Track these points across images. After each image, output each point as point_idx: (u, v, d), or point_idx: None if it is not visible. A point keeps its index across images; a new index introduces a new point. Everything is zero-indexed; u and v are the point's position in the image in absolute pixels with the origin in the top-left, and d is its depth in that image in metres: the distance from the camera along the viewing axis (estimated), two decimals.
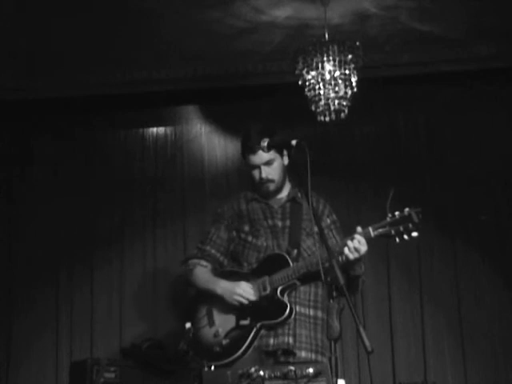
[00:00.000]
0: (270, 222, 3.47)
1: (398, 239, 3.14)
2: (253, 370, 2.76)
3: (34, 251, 5.55)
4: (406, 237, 3.12)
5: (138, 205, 5.66)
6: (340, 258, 3.19)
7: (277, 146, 3.34)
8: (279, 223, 3.47)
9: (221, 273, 3.52)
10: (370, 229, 3.19)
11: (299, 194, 3.52)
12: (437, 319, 5.31)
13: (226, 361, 3.24)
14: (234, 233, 3.52)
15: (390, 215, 3.15)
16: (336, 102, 4.42)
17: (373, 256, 5.41)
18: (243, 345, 3.27)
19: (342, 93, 4.41)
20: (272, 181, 3.46)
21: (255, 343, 3.29)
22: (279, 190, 3.52)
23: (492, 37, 5.15)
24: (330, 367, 2.67)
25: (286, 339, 3.29)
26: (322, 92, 4.42)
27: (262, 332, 3.30)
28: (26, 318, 5.46)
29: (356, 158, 5.53)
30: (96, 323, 5.45)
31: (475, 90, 5.47)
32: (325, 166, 5.21)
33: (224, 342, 3.29)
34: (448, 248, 5.41)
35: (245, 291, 3.33)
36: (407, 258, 5.42)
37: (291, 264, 3.30)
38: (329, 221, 3.52)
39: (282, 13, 4.75)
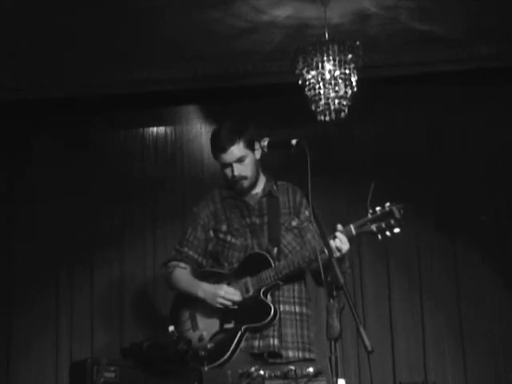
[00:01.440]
0: (247, 219, 3.40)
1: (380, 236, 3.04)
2: (253, 369, 2.76)
3: (34, 251, 5.55)
4: (388, 233, 3.03)
5: (137, 205, 5.66)
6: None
7: (277, 146, 3.32)
8: (257, 220, 3.39)
9: (200, 273, 3.46)
10: (352, 226, 3.10)
11: (275, 187, 3.46)
12: (437, 319, 5.31)
13: (213, 365, 3.18)
14: (211, 232, 3.45)
15: (370, 211, 3.05)
16: (336, 101, 4.43)
17: (372, 256, 5.44)
18: (229, 349, 3.22)
19: (342, 92, 4.41)
20: (245, 177, 3.38)
21: (241, 346, 3.25)
22: (253, 185, 3.44)
23: (492, 37, 5.15)
24: (330, 367, 2.67)
25: (272, 341, 3.24)
26: (322, 91, 4.42)
27: (247, 334, 3.26)
28: (26, 318, 5.46)
29: (356, 158, 5.53)
30: (96, 323, 5.46)
31: (475, 90, 5.47)
32: (325, 165, 5.20)
33: (209, 345, 3.22)
34: (448, 248, 5.41)
35: (227, 293, 3.27)
36: (407, 258, 5.42)
37: (273, 264, 3.25)
38: (307, 212, 3.41)
39: (281, 13, 4.75)
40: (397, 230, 3.02)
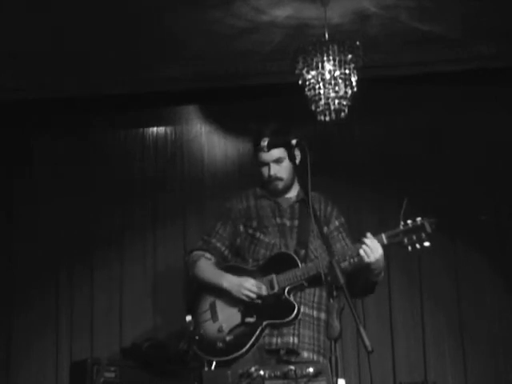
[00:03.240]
0: (278, 220, 3.46)
1: (410, 248, 3.16)
2: (253, 369, 2.76)
3: (34, 251, 5.55)
4: (418, 246, 3.15)
5: (137, 205, 5.66)
6: (350, 261, 3.22)
7: (277, 146, 3.33)
8: (287, 222, 3.46)
9: (225, 267, 3.48)
10: (383, 236, 3.19)
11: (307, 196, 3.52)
12: (437, 319, 5.31)
13: (229, 357, 3.22)
14: (241, 227, 3.49)
15: (402, 223, 3.16)
16: (336, 101, 4.42)
17: None
18: (248, 343, 3.24)
19: (342, 92, 4.41)
20: (280, 179, 3.45)
21: (259, 341, 3.27)
22: (288, 188, 3.51)
23: (492, 37, 5.15)
24: (330, 367, 2.67)
25: (291, 339, 3.27)
26: (322, 91, 4.42)
27: (266, 331, 3.28)
28: (26, 318, 5.46)
29: (356, 158, 5.53)
30: (96, 323, 5.46)
31: (475, 90, 5.47)
32: (325, 165, 5.20)
33: (228, 338, 3.25)
34: (448, 248, 5.41)
35: (254, 286, 3.30)
36: (407, 258, 5.42)
37: (300, 265, 3.29)
38: (337, 223, 3.52)
39: (281, 13, 4.75)
40: (427, 244, 3.16)
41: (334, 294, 2.72)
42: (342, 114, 4.48)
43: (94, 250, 5.58)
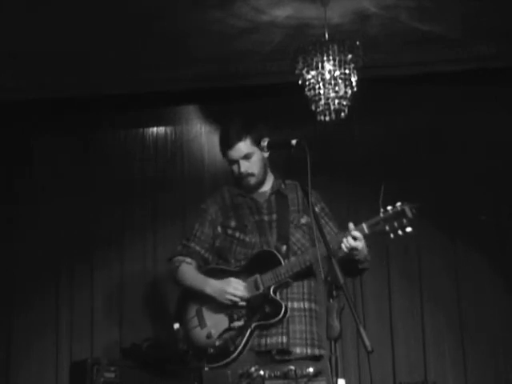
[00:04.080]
0: (256, 217, 3.38)
1: (392, 235, 3.05)
2: (253, 369, 2.76)
3: (34, 251, 5.55)
4: (400, 232, 3.04)
5: (137, 205, 5.66)
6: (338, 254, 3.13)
7: (277, 146, 3.31)
8: (266, 218, 3.38)
9: (207, 270, 3.43)
10: (364, 225, 3.11)
11: (283, 186, 3.45)
12: (437, 319, 5.31)
13: (221, 363, 3.16)
14: (220, 228, 3.43)
15: (382, 210, 3.06)
16: (336, 101, 4.43)
17: (372, 256, 5.39)
18: (238, 346, 3.19)
19: (342, 92, 4.41)
20: (252, 174, 3.37)
21: (249, 344, 3.23)
22: (261, 183, 3.43)
23: (492, 37, 5.15)
24: (330, 367, 2.66)
25: (280, 339, 3.22)
26: (321, 92, 4.42)
27: (255, 332, 3.24)
28: (26, 317, 5.46)
29: (356, 158, 5.53)
30: (96, 323, 5.46)
31: (475, 90, 5.47)
32: (325, 165, 5.20)
33: (218, 343, 3.20)
34: (448, 248, 5.41)
35: (236, 289, 3.24)
36: (407, 258, 5.42)
37: (283, 262, 3.23)
38: (317, 209, 3.41)
39: (281, 13, 4.75)
40: (409, 230, 3.03)
41: (334, 293, 2.71)
42: (342, 114, 4.48)
43: (94, 249, 5.59)
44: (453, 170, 5.42)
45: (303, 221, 3.40)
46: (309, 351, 3.26)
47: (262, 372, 2.76)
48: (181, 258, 3.49)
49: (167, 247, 5.58)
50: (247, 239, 3.36)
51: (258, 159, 3.38)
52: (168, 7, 4.64)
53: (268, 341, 3.23)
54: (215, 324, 3.29)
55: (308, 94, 4.50)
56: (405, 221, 3.03)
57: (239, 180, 3.40)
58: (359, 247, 3.10)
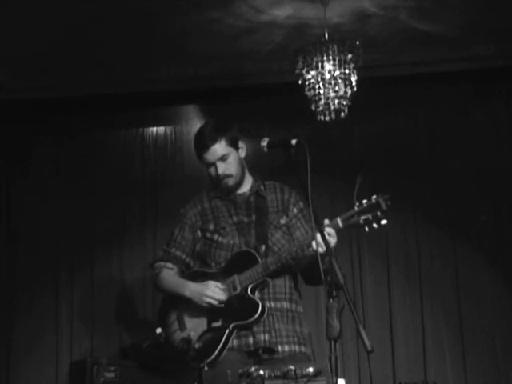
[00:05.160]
0: (235, 218, 3.36)
1: (367, 228, 3.00)
2: (253, 369, 2.75)
3: (34, 251, 5.55)
4: (375, 225, 2.98)
5: (138, 205, 5.66)
6: (304, 252, 3.12)
7: (277, 146, 3.30)
8: (245, 219, 3.36)
9: (188, 274, 3.42)
10: (338, 219, 3.06)
11: (262, 187, 3.43)
12: (437, 319, 5.31)
13: (202, 364, 3.14)
14: (199, 232, 3.42)
15: (357, 204, 3.02)
16: (336, 101, 4.42)
17: (372, 256, 5.44)
18: (217, 347, 3.19)
19: (341, 92, 4.41)
20: (230, 176, 3.34)
21: (234, 344, 3.21)
22: (239, 184, 3.41)
23: (492, 37, 5.15)
24: (330, 367, 2.66)
25: (262, 337, 3.20)
26: (321, 91, 4.42)
27: (242, 332, 3.23)
28: (27, 318, 5.46)
29: (356, 158, 5.53)
30: (96, 323, 5.46)
31: (475, 90, 5.47)
32: (325, 165, 5.20)
33: (197, 345, 3.18)
34: (448, 248, 5.41)
35: (214, 292, 3.23)
36: (407, 258, 5.42)
37: (260, 261, 3.21)
38: (295, 210, 3.40)
39: (281, 12, 4.75)
40: (384, 222, 2.98)
41: (334, 293, 2.71)
42: (342, 113, 4.48)
43: (94, 249, 5.59)
44: (453, 170, 5.42)
45: (283, 221, 3.38)
46: (297, 349, 3.25)
47: (261, 372, 2.75)
48: (162, 263, 3.48)
49: None
50: (225, 241, 3.34)
51: (234, 160, 3.36)
52: (168, 7, 4.64)
53: (252, 340, 3.22)
54: (195, 327, 3.29)
55: (308, 93, 4.50)
56: (379, 213, 2.98)
57: (217, 182, 3.38)
58: (332, 243, 3.04)
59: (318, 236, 2.99)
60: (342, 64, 4.38)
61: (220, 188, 3.41)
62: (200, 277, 3.35)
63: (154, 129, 5.80)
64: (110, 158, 5.75)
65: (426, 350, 5.26)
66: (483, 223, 5.35)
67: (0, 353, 5.43)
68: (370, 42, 4.81)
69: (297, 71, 4.51)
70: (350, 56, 4.39)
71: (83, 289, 5.53)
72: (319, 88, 4.42)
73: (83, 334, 5.44)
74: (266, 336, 3.21)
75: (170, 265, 3.46)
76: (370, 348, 2.61)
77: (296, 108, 5.00)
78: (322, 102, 4.44)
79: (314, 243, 3.05)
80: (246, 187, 3.44)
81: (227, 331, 3.21)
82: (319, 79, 4.40)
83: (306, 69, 4.46)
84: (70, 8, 4.56)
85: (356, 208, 3.03)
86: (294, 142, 3.11)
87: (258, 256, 3.23)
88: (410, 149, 5.53)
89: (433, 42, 5.16)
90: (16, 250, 5.59)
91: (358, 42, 4.44)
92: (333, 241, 3.05)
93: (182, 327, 3.34)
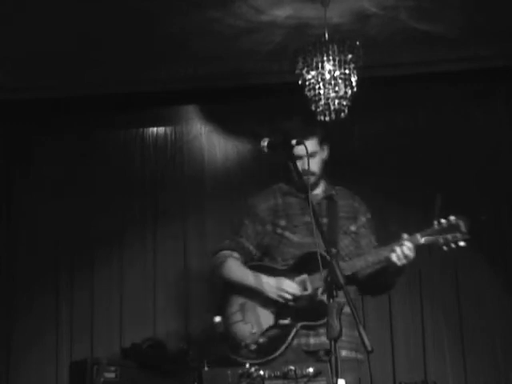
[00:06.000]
0: (307, 217, 3.34)
1: (445, 247, 3.14)
2: (253, 369, 2.76)
3: (34, 251, 5.55)
4: (453, 246, 3.14)
5: (138, 205, 5.66)
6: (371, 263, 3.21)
7: (277, 146, 3.30)
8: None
9: (252, 266, 3.40)
10: (418, 235, 3.17)
11: (333, 191, 3.47)
12: (437, 319, 5.31)
13: (263, 360, 3.17)
14: (270, 226, 3.42)
15: (436, 222, 3.14)
16: (336, 101, 4.42)
17: None
18: (282, 345, 3.19)
19: (341, 92, 4.41)
20: (313, 173, 3.36)
21: (293, 342, 3.22)
22: (316, 184, 3.45)
23: (492, 36, 5.15)
24: (330, 367, 2.67)
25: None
26: (321, 92, 4.42)
27: (302, 331, 3.23)
28: (27, 318, 5.46)
29: (356, 158, 5.53)
30: (96, 323, 5.46)
31: (475, 90, 5.47)
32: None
33: (261, 340, 3.20)
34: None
35: (290, 287, 3.22)
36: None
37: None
38: (364, 219, 3.47)
39: (282, 13, 4.75)
40: (462, 244, 3.15)
41: (334, 293, 2.71)
42: (342, 114, 4.48)
43: (94, 249, 5.59)
44: (453, 170, 5.41)
45: (353, 228, 3.43)
46: (353, 355, 3.30)
47: (261, 372, 2.76)
48: (228, 252, 3.47)
49: (167, 247, 5.60)
50: (296, 239, 3.35)
51: (319, 159, 3.42)
52: (168, 7, 4.64)
53: (316, 341, 3.23)
54: (259, 320, 3.28)
55: (308, 94, 4.50)
56: (459, 235, 3.14)
57: (299, 177, 3.32)
58: (410, 257, 3.14)
59: (398, 249, 3.10)
60: (342, 64, 4.38)
61: (298, 183, 3.38)
62: (267, 271, 3.34)
63: (154, 129, 5.80)
64: (110, 158, 5.75)
65: (426, 350, 5.26)
66: (483, 223, 5.34)
67: (0, 353, 5.43)
68: (370, 42, 4.80)
69: (297, 71, 4.51)
70: (350, 56, 4.39)
71: (83, 289, 5.53)
72: (319, 88, 4.41)
73: (83, 334, 5.44)
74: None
75: (236, 254, 3.45)
76: (370, 348, 2.62)
77: (296, 108, 4.99)
78: (322, 102, 4.43)
79: (393, 256, 3.14)
80: (319, 189, 3.48)
81: (295, 330, 3.21)
82: (319, 79, 4.40)
83: (306, 69, 4.46)
84: (69, 8, 4.56)
85: (436, 226, 3.15)
86: (294, 142, 3.12)
87: (331, 260, 3.25)
88: (410, 149, 5.52)
89: (433, 41, 5.16)
90: (16, 250, 5.59)
91: (358, 43, 4.43)
92: (411, 254, 3.14)
93: (246, 319, 3.31)
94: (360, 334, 2.64)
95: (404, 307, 5.35)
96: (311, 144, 3.34)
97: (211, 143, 5.74)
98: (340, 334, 2.66)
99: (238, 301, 3.37)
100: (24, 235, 5.61)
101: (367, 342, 2.63)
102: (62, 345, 5.43)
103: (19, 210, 5.66)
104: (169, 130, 5.81)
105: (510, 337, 5.21)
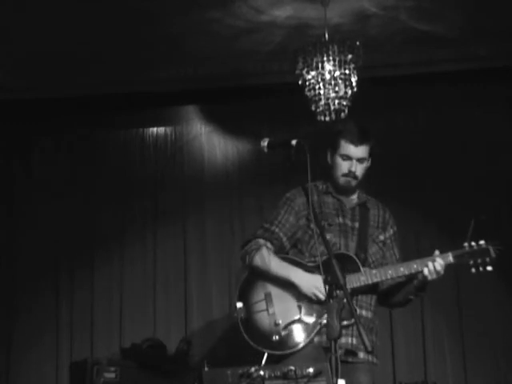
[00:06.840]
0: (340, 219, 3.41)
1: (474, 270, 3.24)
2: (253, 369, 2.76)
3: (34, 251, 5.55)
4: (481, 269, 3.24)
5: (138, 205, 5.67)
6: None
7: (277, 146, 3.30)
8: (349, 223, 3.43)
9: (282, 258, 3.40)
10: (450, 254, 3.25)
11: (367, 200, 3.53)
12: (437, 319, 5.31)
13: (283, 352, 3.19)
14: (304, 220, 3.43)
15: (467, 245, 3.25)
16: (336, 101, 4.42)
17: None
18: (304, 340, 3.22)
19: (342, 93, 4.41)
20: (356, 178, 3.42)
21: (315, 339, 3.24)
22: (354, 189, 3.50)
23: (492, 37, 5.15)
24: (330, 367, 2.67)
25: (350, 340, 3.26)
26: (322, 92, 4.42)
27: (324, 329, 3.21)
28: (27, 318, 5.47)
29: None
30: (96, 323, 5.46)
31: (475, 90, 5.47)
32: (325, 165, 5.19)
33: (283, 332, 3.21)
34: (448, 248, 5.39)
35: (323, 287, 3.20)
36: (407, 258, 5.40)
37: (361, 269, 3.27)
38: (391, 231, 3.53)
39: (282, 13, 4.75)
40: (489, 269, 3.25)
41: (334, 293, 2.72)
42: (342, 114, 4.48)
43: (94, 250, 5.59)
44: (453, 170, 5.42)
45: (381, 238, 3.48)
46: (370, 358, 3.33)
47: (261, 372, 2.76)
48: (262, 241, 3.45)
49: (167, 247, 5.60)
50: (328, 237, 3.32)
51: (365, 166, 3.47)
52: (168, 7, 4.64)
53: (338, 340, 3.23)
54: (284, 312, 3.29)
55: (308, 94, 4.50)
56: (488, 259, 3.26)
57: (343, 177, 3.42)
58: (440, 274, 3.25)
59: (431, 264, 3.24)
60: (342, 64, 4.38)
61: (340, 184, 3.45)
62: (295, 265, 3.36)
63: (154, 129, 5.80)
64: (110, 158, 5.75)
65: (426, 350, 5.26)
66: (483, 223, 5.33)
67: (0, 353, 5.44)
68: (370, 42, 4.80)
69: (297, 71, 4.51)
70: (350, 56, 4.39)
71: (83, 289, 5.53)
72: (319, 88, 4.42)
73: (83, 333, 5.44)
74: (354, 340, 3.27)
75: (269, 244, 3.44)
76: (369, 348, 2.63)
77: (296, 108, 5.00)
78: (322, 102, 4.43)
79: (426, 270, 3.25)
80: (354, 195, 3.52)
81: (318, 327, 3.24)
82: (319, 79, 4.40)
83: (306, 69, 4.46)
84: (69, 8, 4.56)
85: (467, 249, 3.27)
86: (294, 142, 3.12)
87: (360, 264, 3.30)
88: (410, 149, 5.52)
89: (433, 41, 5.17)
90: (16, 250, 5.59)
91: (358, 43, 4.43)
92: (441, 272, 3.26)
93: (271, 309, 3.30)
94: (360, 334, 2.65)
95: (404, 308, 5.34)
96: (363, 150, 3.42)
97: (211, 143, 5.74)
98: (340, 334, 2.66)
99: (263, 290, 3.37)
100: (24, 235, 5.61)
101: (367, 343, 2.65)
102: (61, 345, 5.43)
103: (19, 209, 5.67)
104: (169, 130, 5.81)
105: (510, 338, 5.21)
